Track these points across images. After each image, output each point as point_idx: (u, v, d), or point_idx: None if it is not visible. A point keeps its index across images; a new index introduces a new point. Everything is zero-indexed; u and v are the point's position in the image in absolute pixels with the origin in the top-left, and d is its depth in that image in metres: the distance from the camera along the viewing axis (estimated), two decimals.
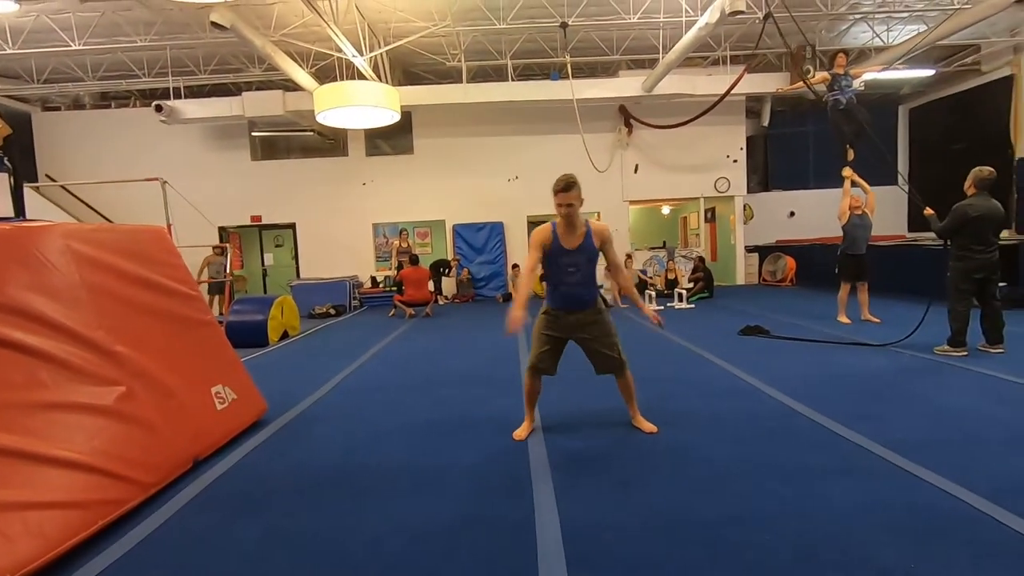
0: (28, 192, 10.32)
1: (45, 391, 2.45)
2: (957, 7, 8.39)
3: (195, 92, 11.39)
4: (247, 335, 6.97)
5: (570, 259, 3.09)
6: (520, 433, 3.29)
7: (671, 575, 1.89)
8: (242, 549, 2.19)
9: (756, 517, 2.23)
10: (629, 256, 12.00)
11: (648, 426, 3.33)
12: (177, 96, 10.61)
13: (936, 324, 5.16)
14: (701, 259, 11.07)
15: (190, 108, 10.59)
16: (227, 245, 10.07)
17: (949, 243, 4.95)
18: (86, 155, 11.93)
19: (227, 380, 3.53)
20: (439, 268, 11.74)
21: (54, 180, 11.40)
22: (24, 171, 11.25)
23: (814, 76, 7.14)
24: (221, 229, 12.08)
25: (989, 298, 4.84)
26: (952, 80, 12.12)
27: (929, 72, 11.43)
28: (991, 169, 4.78)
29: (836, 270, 6.90)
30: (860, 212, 6.63)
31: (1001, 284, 7.37)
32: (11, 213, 3.26)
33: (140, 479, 2.58)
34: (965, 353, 4.79)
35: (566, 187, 2.98)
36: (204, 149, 12.24)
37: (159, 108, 10.13)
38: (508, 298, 11.64)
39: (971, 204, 4.72)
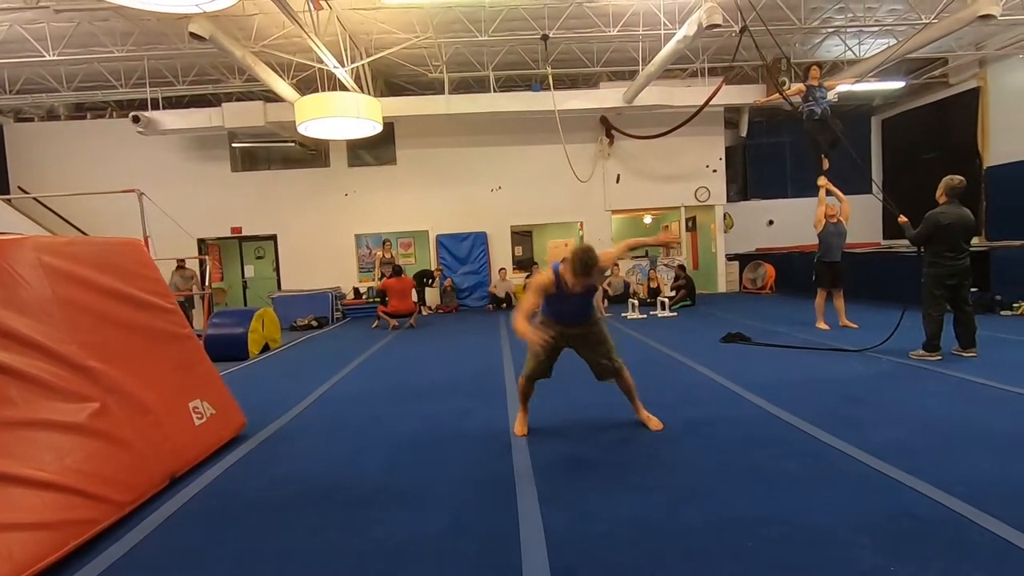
0: None
1: (14, 408, 2.37)
2: (925, 22, 8.67)
3: (173, 103, 11.26)
4: (226, 348, 6.86)
5: (572, 300, 3.21)
6: (519, 428, 3.44)
7: None
8: (220, 568, 2.14)
9: (738, 523, 2.24)
10: (616, 265, 12.08)
11: (654, 422, 3.44)
12: (155, 107, 10.47)
13: (911, 329, 5.26)
14: (682, 267, 11.20)
15: (168, 119, 10.46)
16: (206, 257, 9.95)
17: (922, 250, 5.07)
18: (60, 167, 11.71)
19: (205, 395, 3.46)
20: (423, 278, 11.70)
21: (27, 192, 11.16)
22: None
23: (789, 88, 7.31)
24: (200, 241, 11.91)
25: (961, 303, 4.95)
26: (922, 92, 12.49)
27: (899, 84, 11.77)
28: (961, 178, 4.92)
29: (813, 277, 7.02)
30: (836, 220, 6.76)
31: (973, 289, 7.59)
32: None
33: (114, 498, 2.51)
34: (939, 357, 4.89)
35: (584, 270, 2.94)
36: (183, 160, 12.09)
37: (136, 119, 9.99)
38: (497, 305, 11.63)
39: (943, 212, 4.84)
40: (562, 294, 3.12)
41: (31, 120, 12.17)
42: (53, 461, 2.35)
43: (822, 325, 6.85)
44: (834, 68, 11.29)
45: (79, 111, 12.31)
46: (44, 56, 8.56)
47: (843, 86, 10.09)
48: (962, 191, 4.89)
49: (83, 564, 2.19)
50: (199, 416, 3.32)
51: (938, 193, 4.97)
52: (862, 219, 11.68)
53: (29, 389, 2.44)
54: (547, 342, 3.15)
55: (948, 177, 4.94)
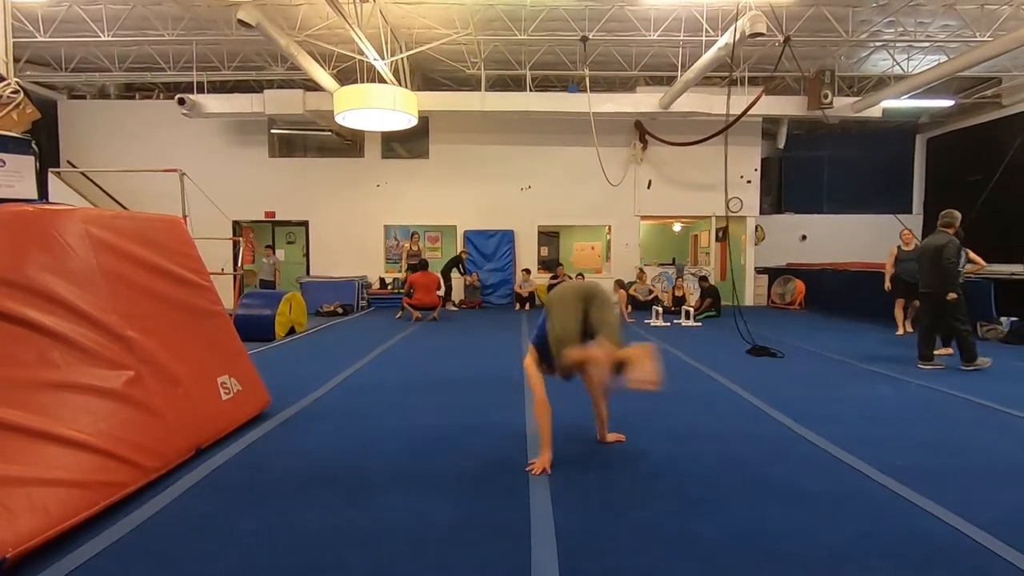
0: (50, 177, 10.55)
1: (56, 371, 2.49)
2: (980, 40, 8.39)
3: (217, 87, 11.57)
4: (254, 329, 7.02)
5: None
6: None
7: None
8: (238, 540, 2.21)
9: (751, 537, 2.23)
10: (641, 270, 11.98)
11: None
12: (200, 90, 10.77)
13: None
14: (704, 278, 11.06)
15: (212, 103, 10.75)
16: (239, 239, 10.20)
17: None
18: (107, 143, 12.12)
19: (233, 371, 3.57)
20: (454, 265, 11.68)
21: (75, 166, 11.60)
22: (47, 156, 11.52)
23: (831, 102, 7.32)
24: (236, 223, 12.21)
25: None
26: (972, 111, 12.08)
27: (948, 103, 11.40)
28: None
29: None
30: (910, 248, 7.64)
31: (1013, 319, 7.37)
32: (35, 195, 3.34)
33: (143, 463, 2.61)
34: (989, 361, 5.35)
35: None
36: (223, 144, 12.40)
37: (182, 101, 10.29)
38: (522, 305, 11.65)
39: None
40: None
41: (83, 97, 12.63)
42: (89, 424, 2.46)
43: (900, 331, 7.73)
44: (880, 83, 11.01)
45: (128, 91, 12.73)
46: (99, 36, 8.90)
47: (888, 102, 9.80)
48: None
49: (111, 523, 2.28)
50: (226, 391, 3.42)
51: (956, 224, 5.48)
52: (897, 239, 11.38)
53: (71, 353, 2.56)
54: None
55: (954, 213, 5.47)
